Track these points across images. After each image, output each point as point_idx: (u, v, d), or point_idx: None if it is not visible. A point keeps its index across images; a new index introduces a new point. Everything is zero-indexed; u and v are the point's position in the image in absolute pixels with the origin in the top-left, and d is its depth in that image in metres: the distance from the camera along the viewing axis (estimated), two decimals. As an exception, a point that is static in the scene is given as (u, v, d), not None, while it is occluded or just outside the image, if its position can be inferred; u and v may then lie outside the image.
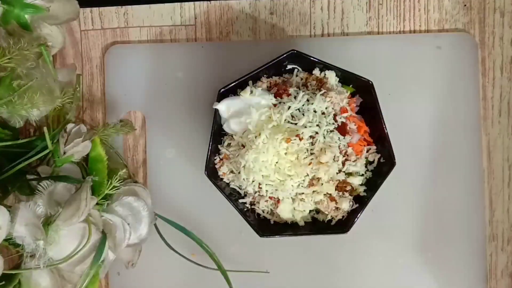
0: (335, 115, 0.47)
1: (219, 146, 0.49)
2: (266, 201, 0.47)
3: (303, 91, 0.46)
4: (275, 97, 0.47)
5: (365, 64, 0.52)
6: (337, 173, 0.46)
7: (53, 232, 0.43)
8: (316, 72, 0.48)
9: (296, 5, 0.54)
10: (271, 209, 0.48)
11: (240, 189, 0.49)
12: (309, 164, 0.46)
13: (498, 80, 0.54)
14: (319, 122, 0.46)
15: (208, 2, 0.54)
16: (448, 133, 0.52)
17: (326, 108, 0.46)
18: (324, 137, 0.46)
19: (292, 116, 0.46)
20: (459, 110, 0.53)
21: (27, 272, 0.44)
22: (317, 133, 0.46)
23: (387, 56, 0.53)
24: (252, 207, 0.49)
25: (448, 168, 0.52)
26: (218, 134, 0.49)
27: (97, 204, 0.46)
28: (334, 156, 0.46)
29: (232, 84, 0.48)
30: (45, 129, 0.46)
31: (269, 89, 0.48)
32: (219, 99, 0.47)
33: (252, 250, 0.52)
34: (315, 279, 0.53)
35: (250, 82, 0.48)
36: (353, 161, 0.47)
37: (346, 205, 0.47)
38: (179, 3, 0.54)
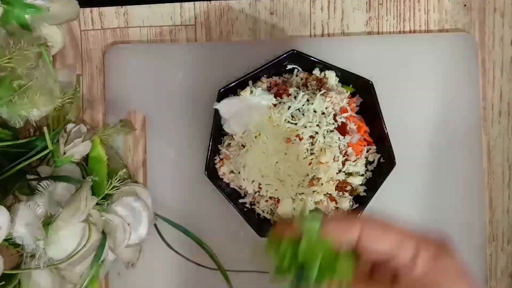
0: (335, 115, 0.47)
1: (219, 146, 0.49)
2: (266, 201, 0.47)
3: (303, 91, 0.47)
4: (275, 97, 0.47)
5: (365, 64, 0.52)
6: (337, 173, 0.46)
7: (53, 232, 0.43)
8: (316, 72, 0.49)
9: (296, 5, 0.54)
10: (271, 209, 0.48)
11: (240, 189, 0.49)
12: (309, 164, 0.46)
13: (498, 80, 0.54)
14: (319, 122, 0.46)
15: (208, 2, 0.54)
16: (448, 133, 0.52)
17: (326, 108, 0.46)
18: (324, 137, 0.46)
19: (292, 116, 0.46)
20: (459, 110, 0.53)
21: (27, 272, 0.44)
22: (317, 133, 0.46)
23: (387, 56, 0.53)
24: (252, 207, 0.49)
25: (448, 168, 0.52)
26: (218, 134, 0.49)
27: (97, 204, 0.47)
28: (334, 156, 0.46)
29: (232, 84, 0.48)
30: (45, 129, 0.46)
31: (269, 89, 0.48)
32: (219, 99, 0.47)
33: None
34: (315, 279, 0.53)
35: (250, 82, 0.48)
36: (353, 161, 0.47)
37: (346, 205, 0.47)
38: (179, 3, 0.54)
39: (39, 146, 0.48)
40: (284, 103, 0.46)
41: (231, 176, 0.49)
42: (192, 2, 0.54)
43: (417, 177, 0.53)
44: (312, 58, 0.47)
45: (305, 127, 0.45)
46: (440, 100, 0.53)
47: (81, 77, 0.53)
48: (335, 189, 0.47)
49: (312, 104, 0.46)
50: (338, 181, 0.47)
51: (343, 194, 0.47)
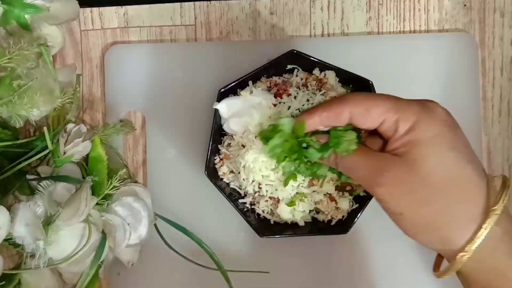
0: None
1: (219, 146, 0.49)
2: (266, 201, 0.47)
3: (303, 91, 0.46)
4: (275, 97, 0.47)
5: (365, 64, 0.52)
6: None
7: (53, 232, 0.43)
8: (316, 72, 0.48)
9: (296, 5, 0.54)
10: (271, 209, 0.48)
11: (240, 189, 0.49)
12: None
13: (498, 80, 0.54)
14: (319, 122, 0.46)
15: (208, 2, 0.54)
16: (448, 133, 0.52)
17: (326, 108, 0.46)
18: (324, 137, 0.46)
19: (292, 116, 0.46)
20: (459, 110, 0.52)
21: (27, 272, 0.44)
22: (317, 133, 0.46)
23: (387, 56, 0.53)
24: (252, 207, 0.49)
25: (448, 168, 0.52)
26: (218, 134, 0.49)
27: (97, 204, 0.47)
28: (334, 156, 0.46)
29: (232, 84, 0.48)
30: (45, 129, 0.46)
31: (269, 89, 0.48)
32: (219, 99, 0.47)
33: (252, 250, 0.52)
34: (315, 279, 0.53)
35: (250, 82, 0.48)
36: (353, 161, 0.47)
37: (346, 205, 0.47)
38: (179, 3, 0.54)
39: (39, 146, 0.48)
40: (284, 103, 0.46)
41: (231, 176, 0.49)
42: (192, 2, 0.54)
43: (417, 177, 0.52)
44: (312, 58, 0.47)
45: (305, 127, 0.45)
46: (439, 100, 0.52)
47: (81, 77, 0.53)
48: (335, 189, 0.47)
49: (312, 104, 0.46)
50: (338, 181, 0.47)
51: (343, 194, 0.47)
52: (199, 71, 0.53)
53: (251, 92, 0.46)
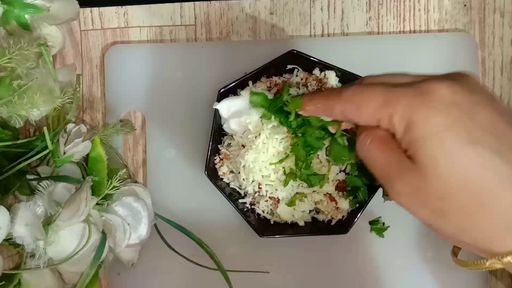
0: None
1: (219, 146, 0.49)
2: (266, 201, 0.47)
3: (303, 91, 0.46)
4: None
5: (365, 64, 0.51)
6: (337, 173, 0.46)
7: (53, 232, 0.43)
8: (316, 72, 0.48)
9: (296, 5, 0.54)
10: (271, 209, 0.48)
11: (240, 189, 0.49)
12: (309, 164, 0.45)
13: (498, 80, 0.54)
14: (319, 122, 0.46)
15: (208, 2, 0.54)
16: (448, 133, 0.52)
17: (326, 108, 0.46)
18: (324, 137, 0.46)
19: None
20: (459, 110, 0.53)
21: (27, 272, 0.44)
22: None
23: (387, 56, 0.53)
24: (252, 207, 0.49)
25: (448, 168, 0.52)
26: (218, 134, 0.49)
27: (97, 204, 0.47)
28: (334, 156, 0.46)
29: (232, 84, 0.48)
30: (45, 129, 0.46)
31: (269, 89, 0.48)
32: (219, 99, 0.47)
33: (252, 250, 0.52)
34: (315, 279, 0.53)
35: (250, 82, 0.48)
36: (353, 161, 0.47)
37: (346, 205, 0.47)
38: (179, 3, 0.54)
39: (39, 146, 0.48)
40: (284, 103, 0.46)
41: (231, 176, 0.49)
42: (192, 2, 0.54)
43: (417, 177, 0.52)
44: (312, 58, 0.47)
45: (305, 127, 0.45)
46: (440, 100, 0.53)
47: (81, 77, 0.53)
48: (335, 189, 0.47)
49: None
50: (338, 181, 0.47)
51: (343, 194, 0.47)
52: (199, 71, 0.53)
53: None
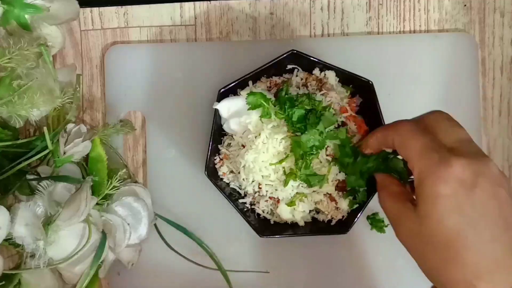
0: (334, 115, 0.46)
1: (219, 146, 0.49)
2: (266, 201, 0.47)
3: (303, 91, 0.46)
4: (275, 97, 0.47)
5: (365, 64, 0.52)
6: (337, 174, 0.46)
7: (53, 232, 0.43)
8: (316, 72, 0.48)
9: (296, 5, 0.54)
10: (271, 209, 0.48)
11: (240, 189, 0.49)
12: (309, 164, 0.45)
13: (498, 80, 0.54)
14: (319, 122, 0.46)
15: (208, 2, 0.54)
16: (448, 133, 0.52)
17: (326, 108, 0.46)
18: (324, 137, 0.46)
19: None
20: (459, 110, 0.52)
21: (27, 272, 0.44)
22: (317, 133, 0.46)
23: (387, 56, 0.53)
24: (252, 207, 0.49)
25: (448, 168, 0.52)
26: (218, 134, 0.49)
27: (97, 204, 0.47)
28: (334, 156, 0.46)
29: (232, 84, 0.48)
30: (45, 129, 0.46)
31: (269, 89, 0.48)
32: (219, 99, 0.47)
33: (252, 250, 0.52)
34: (315, 279, 0.53)
35: (250, 82, 0.48)
36: (353, 161, 0.47)
37: (345, 205, 0.47)
38: (179, 3, 0.54)
39: (39, 146, 0.48)
40: (284, 103, 0.46)
41: (231, 176, 0.49)
42: (192, 2, 0.54)
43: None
44: (312, 58, 0.47)
45: (305, 127, 0.45)
46: (440, 100, 0.53)
47: (81, 77, 0.53)
48: (335, 189, 0.47)
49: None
50: (338, 181, 0.47)
51: (343, 194, 0.47)
52: (199, 71, 0.53)
53: (251, 92, 0.46)
